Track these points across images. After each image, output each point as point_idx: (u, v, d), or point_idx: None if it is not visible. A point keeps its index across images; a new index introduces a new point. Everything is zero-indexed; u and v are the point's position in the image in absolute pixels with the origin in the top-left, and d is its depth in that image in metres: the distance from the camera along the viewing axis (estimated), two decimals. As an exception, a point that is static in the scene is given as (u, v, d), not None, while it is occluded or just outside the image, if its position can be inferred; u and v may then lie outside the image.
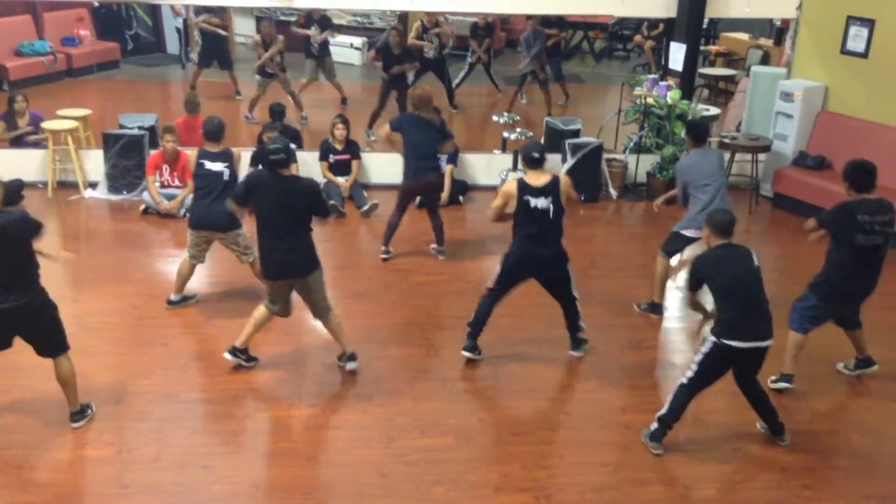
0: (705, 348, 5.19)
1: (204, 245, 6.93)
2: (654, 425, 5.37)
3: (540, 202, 5.87)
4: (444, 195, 9.26)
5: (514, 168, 9.56)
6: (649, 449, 5.36)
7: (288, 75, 11.82)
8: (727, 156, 9.65)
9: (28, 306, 5.12)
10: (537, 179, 5.93)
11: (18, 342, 5.48)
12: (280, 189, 5.73)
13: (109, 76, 14.05)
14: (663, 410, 5.34)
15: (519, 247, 6.05)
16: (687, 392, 5.28)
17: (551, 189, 5.90)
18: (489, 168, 10.00)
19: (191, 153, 7.03)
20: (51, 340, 5.33)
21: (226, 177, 6.73)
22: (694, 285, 5.42)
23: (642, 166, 9.97)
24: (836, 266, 5.77)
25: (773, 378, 6.03)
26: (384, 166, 9.55)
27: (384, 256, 8.04)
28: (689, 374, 5.26)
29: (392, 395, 5.96)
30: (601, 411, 5.78)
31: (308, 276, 5.87)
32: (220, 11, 13.05)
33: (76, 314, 6.90)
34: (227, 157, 6.79)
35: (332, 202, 9.05)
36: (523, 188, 5.89)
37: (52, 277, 7.54)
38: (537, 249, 5.99)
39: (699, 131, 7.04)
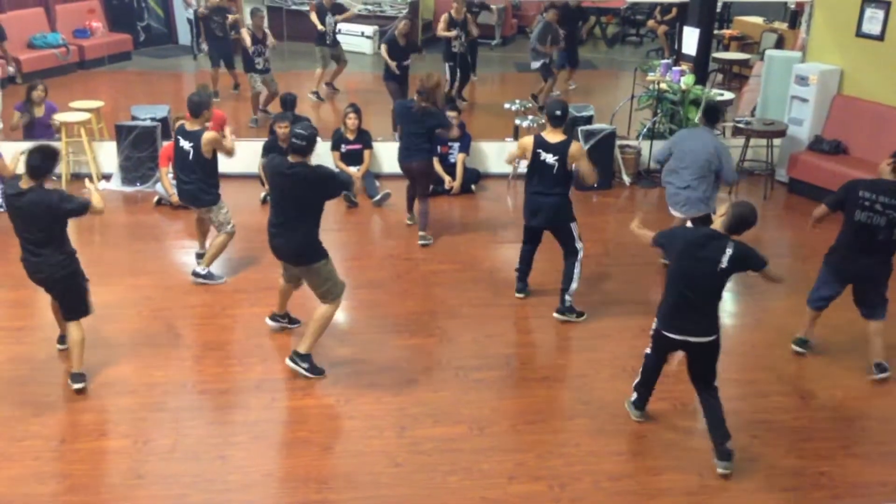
0: (653, 326, 5.27)
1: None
2: (634, 395, 5.53)
3: (549, 158, 6.40)
4: (457, 184, 9.27)
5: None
6: (631, 416, 5.54)
7: (268, 75, 11.12)
8: (741, 141, 9.61)
9: None
10: (553, 137, 6.43)
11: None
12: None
13: (121, 68, 14.04)
14: (637, 379, 5.51)
15: (527, 199, 6.69)
16: (651, 360, 5.38)
17: (561, 148, 6.40)
18: (501, 156, 9.92)
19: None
20: None
21: (190, 156, 6.97)
22: (658, 241, 5.31)
23: (656, 152, 9.88)
24: (841, 241, 5.90)
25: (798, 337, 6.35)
26: (396, 156, 9.52)
27: (423, 243, 8.11)
28: (649, 346, 5.39)
29: (405, 384, 5.96)
30: (616, 399, 5.75)
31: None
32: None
33: (91, 306, 6.94)
34: (196, 137, 6.95)
35: (345, 192, 9.04)
36: (538, 143, 6.45)
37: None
38: (540, 199, 6.55)
39: (709, 112, 7.27)
